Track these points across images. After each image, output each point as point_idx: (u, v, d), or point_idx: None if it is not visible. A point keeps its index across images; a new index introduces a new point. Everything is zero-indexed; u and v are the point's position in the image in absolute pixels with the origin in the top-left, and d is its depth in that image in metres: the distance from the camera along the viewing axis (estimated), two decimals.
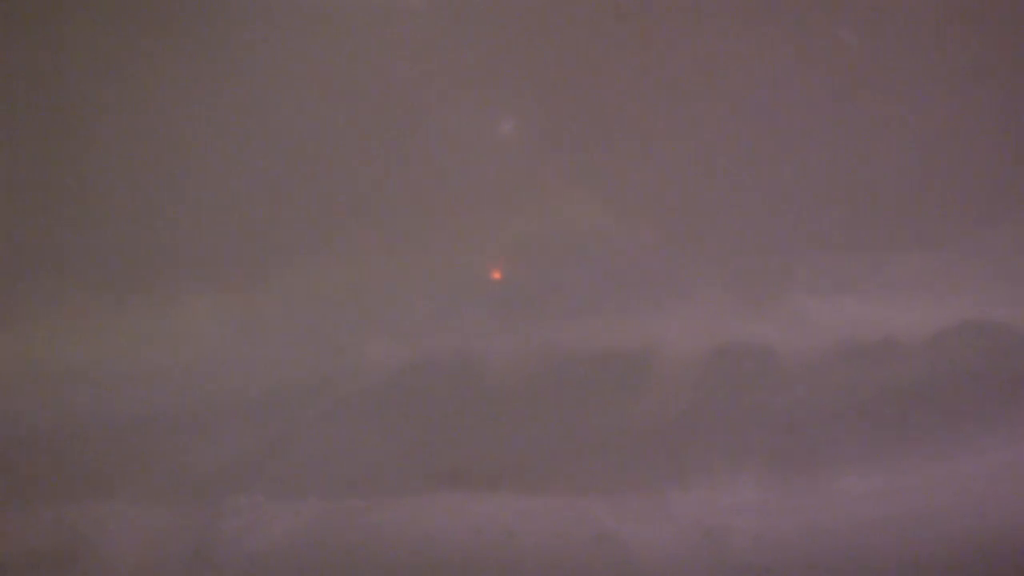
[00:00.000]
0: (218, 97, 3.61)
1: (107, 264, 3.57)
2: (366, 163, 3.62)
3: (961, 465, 3.20)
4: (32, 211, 3.60)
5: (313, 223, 3.60)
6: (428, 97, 3.61)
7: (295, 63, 3.61)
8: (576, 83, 3.60)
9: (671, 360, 3.44)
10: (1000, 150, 3.52)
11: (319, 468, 3.33)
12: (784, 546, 3.14)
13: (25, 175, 3.61)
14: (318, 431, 3.40)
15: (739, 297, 3.51)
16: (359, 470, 3.31)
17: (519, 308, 3.54)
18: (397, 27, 3.63)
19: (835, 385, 3.39)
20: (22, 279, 3.56)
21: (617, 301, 3.54)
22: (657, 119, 3.59)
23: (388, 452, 3.35)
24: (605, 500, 3.22)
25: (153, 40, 3.59)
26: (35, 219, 3.60)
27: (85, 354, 3.49)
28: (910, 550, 3.09)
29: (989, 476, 3.18)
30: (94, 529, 3.21)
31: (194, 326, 3.52)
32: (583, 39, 3.60)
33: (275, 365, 3.48)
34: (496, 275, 3.60)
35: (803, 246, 3.55)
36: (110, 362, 3.48)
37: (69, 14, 3.61)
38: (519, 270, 3.61)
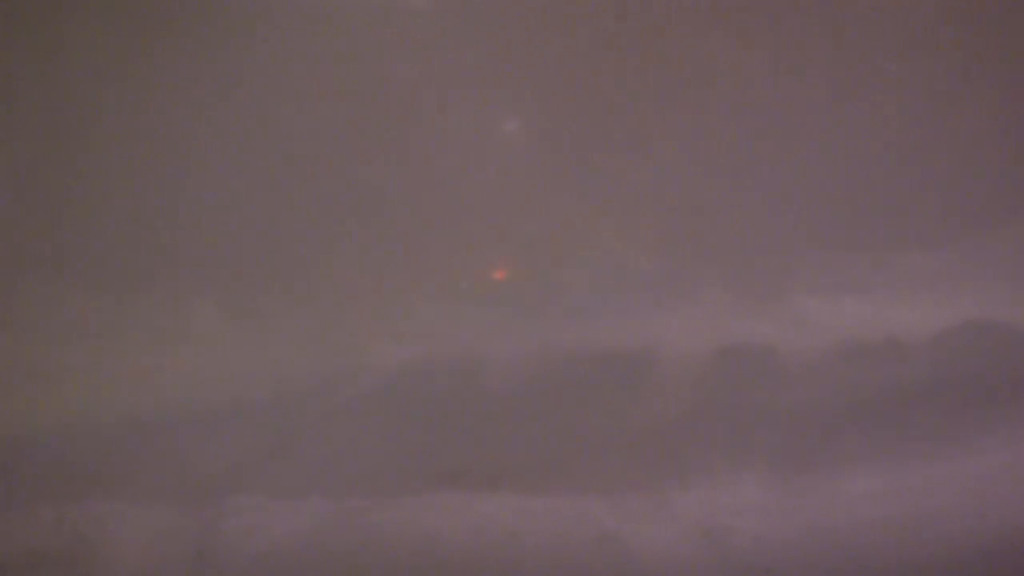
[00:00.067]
0: (221, 98, 3.60)
1: (109, 265, 3.57)
2: (368, 165, 3.62)
3: (962, 465, 3.20)
4: (32, 211, 3.59)
5: (315, 225, 3.60)
6: (430, 99, 3.61)
7: (298, 65, 3.61)
8: (577, 85, 3.60)
9: (672, 360, 3.44)
10: (1003, 150, 3.53)
11: (321, 468, 3.32)
12: (785, 546, 3.14)
13: (26, 175, 3.60)
14: (320, 431, 3.40)
15: (740, 297, 3.51)
16: (361, 470, 3.31)
17: (520, 309, 3.54)
18: (401, 28, 3.63)
19: (836, 385, 3.39)
20: (23, 279, 3.55)
21: (618, 302, 3.54)
22: (658, 119, 3.59)
23: (390, 452, 3.35)
24: (606, 500, 3.22)
25: (154, 40, 3.59)
26: (35, 219, 3.60)
27: (86, 354, 3.49)
28: (911, 550, 3.09)
29: (991, 476, 3.18)
30: (96, 529, 3.20)
31: (197, 327, 3.52)
32: (585, 41, 3.60)
33: (277, 366, 3.48)
34: (499, 275, 3.60)
35: (804, 246, 3.55)
36: (112, 362, 3.48)
37: (69, 15, 3.61)
38: (520, 271, 3.61)
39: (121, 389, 3.44)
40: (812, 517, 3.18)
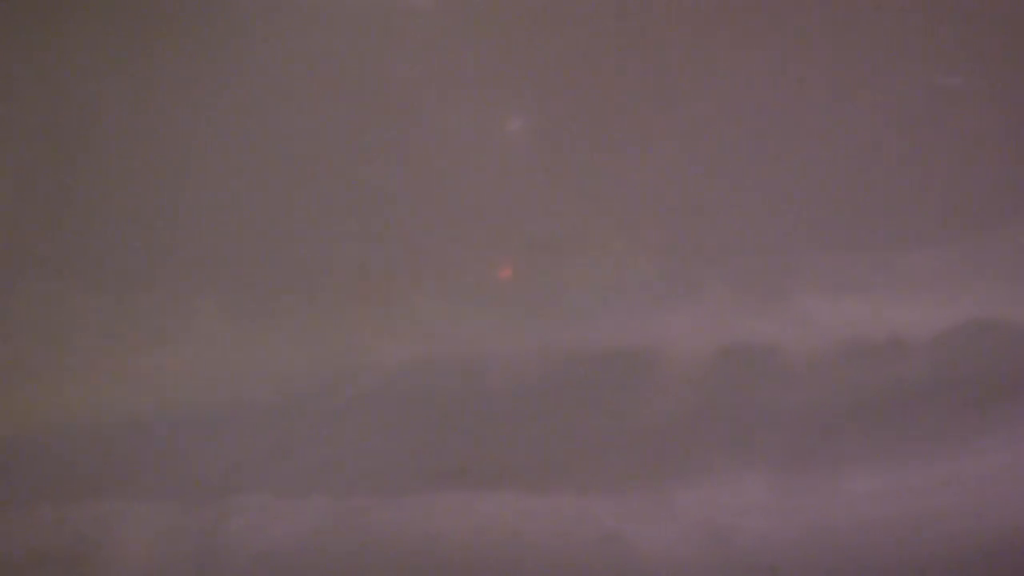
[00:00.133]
0: (221, 97, 3.60)
1: (109, 264, 3.56)
2: (369, 165, 3.61)
3: (966, 464, 3.21)
4: (32, 210, 3.58)
5: (317, 224, 3.59)
6: (431, 98, 3.60)
7: (299, 65, 3.61)
8: (579, 84, 3.60)
9: (675, 359, 3.44)
10: (1007, 148, 3.53)
11: (323, 467, 3.32)
12: (790, 546, 3.14)
13: (25, 173, 3.59)
14: (322, 431, 3.39)
15: (743, 296, 3.51)
16: (363, 469, 3.31)
17: (522, 308, 3.53)
18: (403, 27, 3.63)
19: (840, 384, 3.39)
20: (23, 279, 3.54)
21: (620, 301, 3.53)
22: (660, 119, 3.59)
23: (392, 452, 3.35)
24: (608, 500, 3.22)
25: (155, 40, 3.59)
26: (35, 218, 3.59)
27: (86, 354, 3.48)
28: (917, 550, 3.09)
29: (994, 476, 3.18)
30: (97, 529, 3.20)
31: (198, 326, 3.51)
32: (587, 40, 3.60)
33: (279, 365, 3.47)
34: (501, 275, 3.60)
35: (807, 245, 3.54)
36: (112, 361, 3.47)
37: (69, 13, 3.60)
38: (523, 270, 3.60)
39: (122, 388, 3.43)
40: (815, 516, 3.18)
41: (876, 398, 3.36)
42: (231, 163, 3.61)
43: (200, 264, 3.58)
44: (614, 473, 3.29)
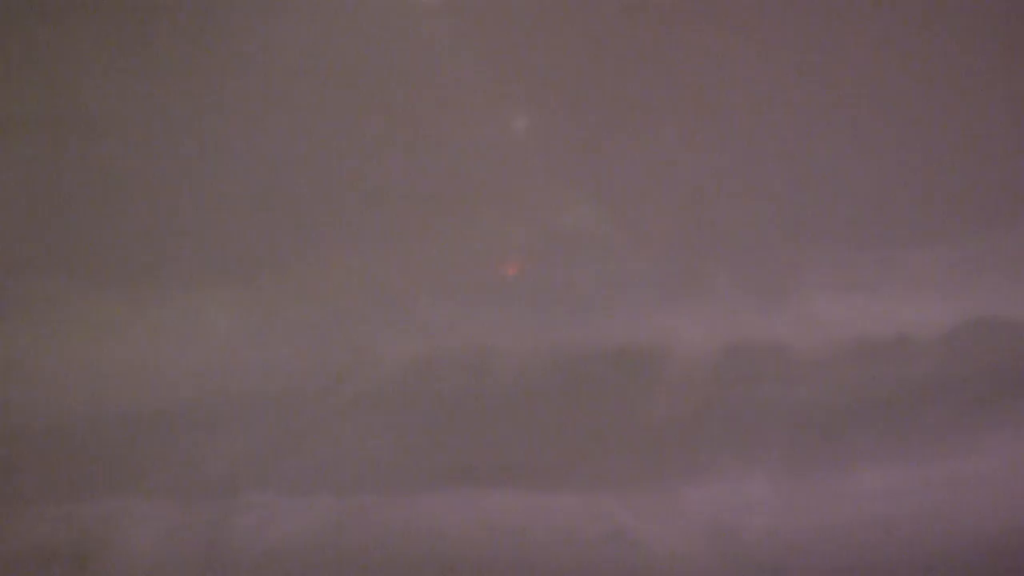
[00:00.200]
0: (224, 96, 3.60)
1: (113, 260, 3.55)
2: (374, 161, 3.60)
3: (974, 462, 3.21)
4: (37, 208, 3.57)
5: (322, 221, 3.59)
6: (439, 94, 3.60)
7: (303, 60, 3.60)
8: (586, 81, 3.60)
9: (683, 357, 3.44)
10: (1013, 146, 3.53)
11: (330, 465, 3.31)
12: (796, 543, 3.15)
13: (30, 171, 3.59)
14: (328, 428, 3.38)
15: (751, 294, 3.51)
16: (371, 467, 3.30)
17: (531, 305, 3.53)
18: (407, 22, 3.63)
19: (847, 382, 3.39)
20: (26, 276, 3.53)
21: (629, 298, 3.53)
22: (667, 116, 3.59)
23: (399, 449, 3.34)
24: (617, 497, 3.22)
25: (159, 36, 3.58)
26: (37, 216, 3.58)
27: (91, 350, 3.47)
28: (923, 548, 3.09)
29: (1001, 473, 3.18)
30: (104, 526, 3.19)
31: (206, 323, 3.50)
32: (593, 36, 3.60)
33: (287, 362, 3.46)
34: (507, 271, 3.59)
35: (814, 243, 3.54)
36: (117, 358, 3.46)
37: (73, 12, 3.60)
38: (531, 267, 3.60)
39: (127, 385, 3.42)
40: (822, 514, 3.18)
41: (882, 396, 3.36)
42: (232, 163, 3.61)
43: (205, 260, 3.57)
44: (620, 471, 3.28)
